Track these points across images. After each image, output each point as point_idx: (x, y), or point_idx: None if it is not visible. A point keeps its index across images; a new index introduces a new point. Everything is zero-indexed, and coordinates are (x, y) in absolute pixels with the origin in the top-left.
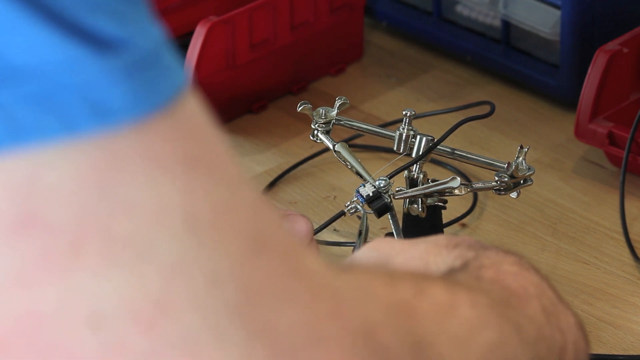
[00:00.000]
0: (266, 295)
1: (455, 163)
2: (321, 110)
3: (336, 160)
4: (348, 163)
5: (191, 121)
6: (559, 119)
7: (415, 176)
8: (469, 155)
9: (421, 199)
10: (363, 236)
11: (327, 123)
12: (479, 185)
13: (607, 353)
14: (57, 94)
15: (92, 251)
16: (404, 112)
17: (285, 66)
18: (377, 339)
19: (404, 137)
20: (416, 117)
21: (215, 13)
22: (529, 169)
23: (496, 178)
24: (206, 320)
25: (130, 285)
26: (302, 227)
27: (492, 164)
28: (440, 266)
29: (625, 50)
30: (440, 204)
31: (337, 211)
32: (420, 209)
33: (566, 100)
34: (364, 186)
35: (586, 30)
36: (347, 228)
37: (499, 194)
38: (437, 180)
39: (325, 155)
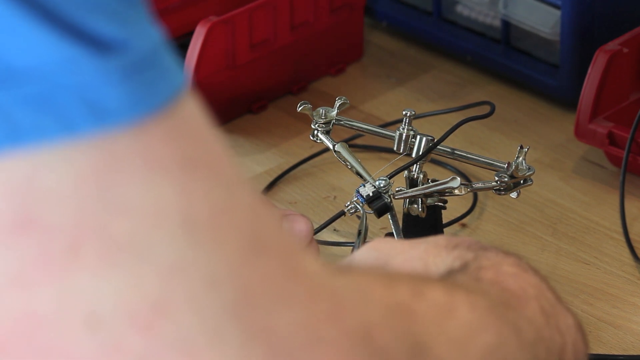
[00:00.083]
0: (264, 297)
1: (455, 163)
2: (321, 110)
3: (336, 160)
4: (348, 163)
5: (189, 122)
6: (559, 119)
7: (415, 176)
8: (469, 155)
9: (421, 199)
10: (362, 236)
11: (327, 123)
12: (479, 185)
13: (607, 353)
14: (56, 95)
15: (90, 252)
16: (404, 112)
17: (285, 66)
18: (375, 340)
19: (404, 137)
20: (416, 117)
21: (215, 13)
22: (529, 169)
23: (496, 178)
24: (204, 322)
25: (128, 286)
26: (302, 227)
27: (492, 164)
28: (440, 267)
29: (625, 50)
30: (440, 204)
31: (337, 211)
32: (420, 209)
33: (566, 100)
34: (364, 186)
35: (586, 30)
36: (347, 228)
37: (499, 194)
38: (437, 180)
39: (325, 155)
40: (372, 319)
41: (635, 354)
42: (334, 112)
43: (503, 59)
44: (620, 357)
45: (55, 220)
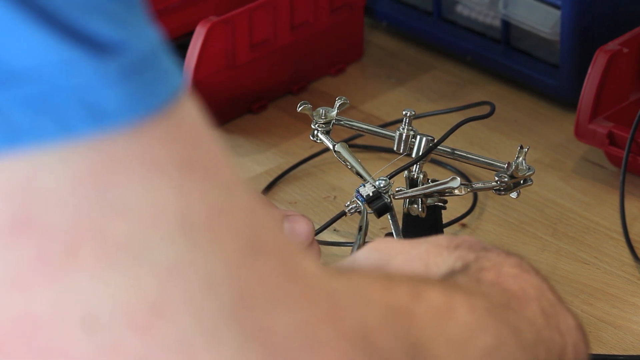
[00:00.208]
0: (262, 298)
1: (455, 163)
2: (321, 110)
3: (336, 160)
4: (348, 163)
5: (188, 124)
6: (559, 119)
7: (415, 176)
8: (469, 156)
9: (421, 199)
10: (363, 232)
11: (327, 123)
12: (479, 185)
13: (607, 353)
14: (54, 96)
15: (88, 253)
16: (404, 112)
17: (285, 66)
18: (374, 342)
19: (404, 137)
20: (416, 117)
21: (215, 13)
22: (529, 169)
23: (496, 178)
24: (202, 323)
25: (126, 287)
26: (303, 227)
27: (492, 164)
28: (441, 267)
29: (625, 50)
30: (440, 204)
31: (337, 211)
32: (420, 209)
33: (566, 100)
34: (364, 186)
35: (586, 30)
36: (347, 228)
37: (499, 194)
38: (437, 180)
39: (325, 155)
40: (371, 320)
41: (635, 354)
42: (334, 112)
43: (503, 59)
44: (620, 357)
45: (54, 221)
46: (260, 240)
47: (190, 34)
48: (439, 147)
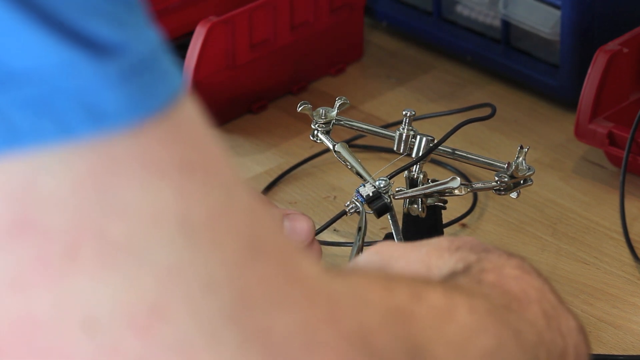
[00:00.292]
0: (261, 299)
1: (456, 163)
2: (321, 110)
3: (336, 160)
4: (348, 163)
5: (187, 125)
6: (559, 119)
7: (415, 176)
8: (469, 156)
9: (421, 199)
10: (362, 232)
11: (327, 123)
12: (479, 185)
13: (607, 353)
14: (54, 97)
15: (88, 255)
16: (403, 112)
17: (285, 66)
18: (373, 344)
19: (404, 137)
20: (417, 118)
21: (215, 13)
22: (529, 169)
23: (496, 178)
24: (201, 325)
25: (126, 289)
26: (303, 226)
27: (492, 164)
28: (442, 269)
29: (625, 50)
30: (440, 204)
31: (337, 211)
32: (420, 209)
33: (566, 100)
34: (364, 186)
35: (586, 30)
36: (347, 228)
37: (499, 194)
38: (437, 181)
39: (325, 155)
40: (370, 322)
41: (635, 354)
42: (334, 112)
43: (503, 59)
44: (620, 357)
45: (54, 222)
46: (260, 241)
47: (190, 34)
48: (439, 147)
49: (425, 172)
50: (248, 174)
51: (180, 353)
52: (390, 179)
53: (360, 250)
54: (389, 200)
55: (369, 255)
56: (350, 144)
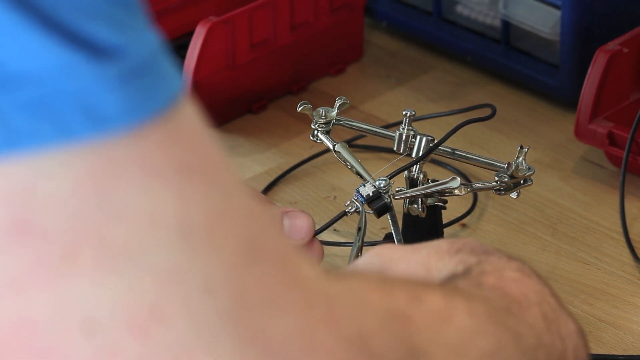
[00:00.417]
0: (259, 303)
1: (456, 163)
2: (321, 110)
3: (336, 160)
4: (348, 163)
5: (187, 128)
6: (559, 119)
7: (415, 176)
8: (469, 156)
9: (421, 199)
10: (362, 233)
11: (327, 123)
12: (479, 185)
13: (607, 353)
14: (53, 100)
15: (87, 258)
16: (403, 113)
17: (285, 66)
18: (372, 346)
19: (404, 137)
20: (417, 119)
21: (215, 13)
22: (529, 169)
23: (496, 178)
24: (199, 327)
25: (124, 291)
26: (303, 223)
27: (492, 164)
28: (442, 272)
29: (625, 50)
30: (440, 204)
31: (337, 211)
32: (420, 209)
33: (566, 100)
34: (364, 186)
35: (586, 30)
36: (347, 228)
37: (499, 194)
38: (437, 180)
39: (325, 155)
40: (368, 325)
41: (635, 354)
42: (334, 112)
43: (503, 59)
44: (620, 357)
45: (53, 225)
46: (259, 244)
47: (190, 34)
48: (439, 147)
49: (425, 172)
50: (248, 174)
51: (179, 355)
52: (390, 179)
53: (359, 250)
54: (389, 200)
55: (369, 258)
56: (350, 144)
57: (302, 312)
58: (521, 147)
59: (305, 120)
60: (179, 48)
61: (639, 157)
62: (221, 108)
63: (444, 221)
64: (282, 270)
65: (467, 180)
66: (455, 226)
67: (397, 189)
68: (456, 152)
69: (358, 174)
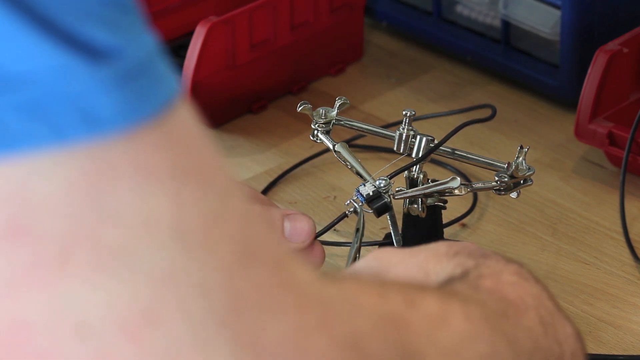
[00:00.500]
0: (254, 306)
1: (456, 163)
2: (321, 110)
3: (336, 160)
4: (348, 163)
5: (182, 131)
6: (559, 119)
7: (415, 176)
8: (469, 156)
9: (421, 199)
10: (360, 233)
11: (327, 123)
12: (479, 185)
13: (607, 353)
14: (48, 102)
15: (81, 260)
16: (403, 112)
17: (285, 66)
18: (366, 350)
19: (404, 137)
20: (417, 119)
21: (215, 13)
22: (529, 169)
23: (496, 178)
24: (193, 331)
25: (119, 294)
26: (304, 226)
27: (492, 164)
28: (441, 275)
29: (625, 50)
30: (440, 204)
31: (337, 211)
32: (420, 209)
33: (566, 100)
34: (364, 185)
35: (586, 30)
36: (347, 228)
37: (499, 194)
38: (437, 180)
39: (325, 155)
40: (363, 328)
41: (635, 354)
42: (334, 112)
43: (503, 59)
44: (620, 357)
45: (47, 227)
46: (254, 247)
47: (190, 34)
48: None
49: (425, 172)
50: (248, 174)
51: (173, 358)
52: (390, 178)
53: (358, 251)
54: (389, 200)
55: (367, 261)
56: (350, 143)
57: (296, 315)
58: (521, 147)
59: (305, 120)
60: (179, 48)
61: (639, 157)
62: (221, 108)
63: (444, 221)
64: (277, 274)
65: (467, 180)
66: (455, 226)
67: (397, 189)
68: (456, 152)
69: (358, 174)
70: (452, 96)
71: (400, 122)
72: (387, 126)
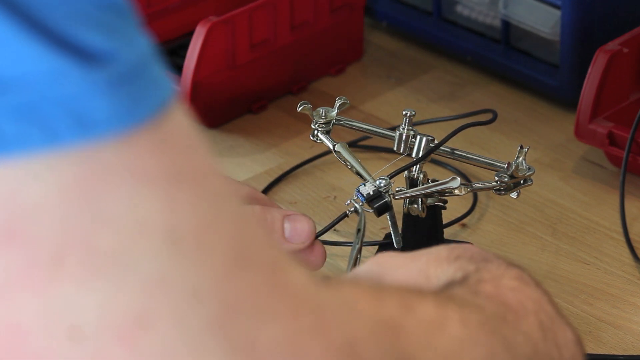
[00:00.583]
0: (247, 311)
1: (456, 163)
2: (321, 110)
3: (336, 160)
4: (348, 163)
5: (177, 134)
6: (559, 119)
7: (415, 176)
8: (469, 156)
9: (421, 199)
10: (361, 233)
11: (327, 123)
12: (479, 185)
13: (607, 353)
14: (41, 105)
15: (74, 264)
16: (403, 112)
17: (285, 66)
18: (360, 355)
19: (404, 137)
20: (418, 123)
21: (215, 13)
22: (529, 169)
23: (496, 178)
24: (187, 335)
25: (112, 298)
26: (304, 226)
27: (492, 164)
28: (442, 278)
29: (625, 50)
30: (440, 204)
31: (337, 211)
32: (420, 209)
33: (566, 100)
34: (365, 185)
35: (586, 30)
36: (347, 228)
37: (499, 194)
38: (437, 180)
39: (325, 155)
40: (358, 334)
41: (635, 354)
42: (334, 112)
43: (503, 59)
44: (620, 357)
45: (40, 230)
46: (248, 252)
47: (190, 34)
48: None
49: (425, 172)
50: (248, 174)
51: None
52: (390, 178)
53: (359, 251)
54: (389, 200)
55: (368, 266)
56: (354, 145)
57: (290, 320)
58: (521, 147)
59: (305, 120)
60: (179, 48)
61: (639, 157)
62: (221, 108)
63: (444, 221)
64: (271, 278)
65: (467, 180)
66: (455, 226)
67: (397, 189)
68: (456, 152)
69: (358, 174)
70: (452, 96)
71: (400, 123)
72: (388, 129)
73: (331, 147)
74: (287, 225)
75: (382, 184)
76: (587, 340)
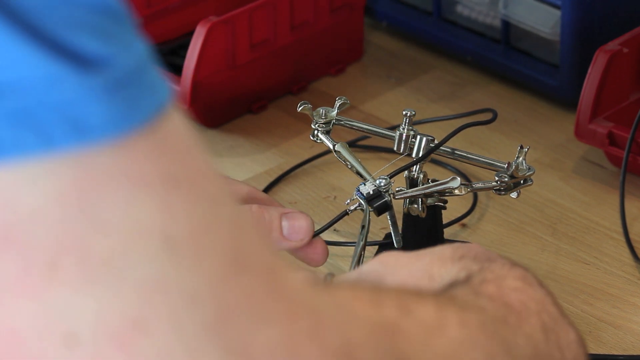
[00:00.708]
0: (244, 315)
1: (456, 163)
2: (321, 110)
3: (336, 160)
4: (348, 163)
5: (173, 139)
6: (559, 119)
7: (415, 176)
8: (469, 156)
9: (421, 199)
10: (366, 230)
11: (327, 123)
12: (479, 185)
13: (607, 353)
14: (37, 110)
15: (71, 269)
16: (404, 112)
17: (285, 66)
18: (358, 358)
19: (404, 137)
20: (418, 122)
21: (215, 13)
22: (529, 169)
23: (496, 178)
24: (183, 340)
25: (108, 303)
26: (302, 224)
27: (492, 164)
28: (445, 278)
29: (625, 50)
30: (440, 204)
31: (337, 211)
32: (420, 209)
33: (566, 100)
34: (365, 184)
35: (586, 30)
36: (347, 228)
37: (499, 194)
38: (437, 180)
39: (325, 155)
40: (355, 337)
41: (635, 354)
42: (334, 112)
43: (503, 59)
44: (620, 357)
45: (36, 235)
46: (244, 256)
47: (190, 34)
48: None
49: (425, 172)
50: (248, 174)
51: None
52: (390, 178)
53: (363, 248)
54: (389, 199)
55: (372, 265)
56: (354, 144)
57: (287, 323)
58: (521, 147)
59: (305, 120)
60: (179, 48)
61: (639, 157)
62: (221, 108)
63: (444, 221)
64: (268, 282)
65: (467, 180)
66: (456, 226)
67: (397, 189)
68: (456, 152)
69: (358, 173)
70: (452, 96)
71: (400, 123)
72: (388, 129)
73: (331, 147)
74: (285, 223)
75: (382, 184)
76: (587, 340)
